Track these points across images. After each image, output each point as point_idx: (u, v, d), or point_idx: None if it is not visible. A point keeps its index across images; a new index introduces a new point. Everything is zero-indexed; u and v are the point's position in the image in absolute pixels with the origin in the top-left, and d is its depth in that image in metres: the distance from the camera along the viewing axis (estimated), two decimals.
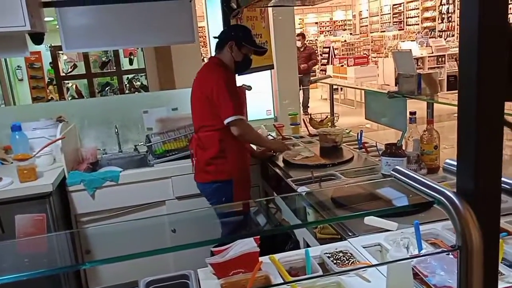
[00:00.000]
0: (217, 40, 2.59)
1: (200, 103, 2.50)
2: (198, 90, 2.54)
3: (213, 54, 2.66)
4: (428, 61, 10.55)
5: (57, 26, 2.79)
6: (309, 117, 3.35)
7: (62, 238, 1.21)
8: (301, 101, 7.27)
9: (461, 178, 0.77)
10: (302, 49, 9.07)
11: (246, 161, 2.65)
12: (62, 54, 7.76)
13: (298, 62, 8.75)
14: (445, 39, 12.23)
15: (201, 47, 5.24)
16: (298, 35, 8.96)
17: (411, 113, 2.12)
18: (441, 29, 13.82)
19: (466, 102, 0.75)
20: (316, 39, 16.09)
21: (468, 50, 0.71)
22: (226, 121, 2.39)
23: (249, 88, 2.94)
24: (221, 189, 2.47)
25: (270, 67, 3.40)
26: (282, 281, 1.25)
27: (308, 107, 8.95)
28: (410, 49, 4.13)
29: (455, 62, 10.77)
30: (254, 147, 2.87)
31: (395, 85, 2.81)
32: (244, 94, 2.91)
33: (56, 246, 1.08)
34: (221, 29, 3.07)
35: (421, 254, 1.17)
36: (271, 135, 3.23)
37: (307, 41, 10.69)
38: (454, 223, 0.73)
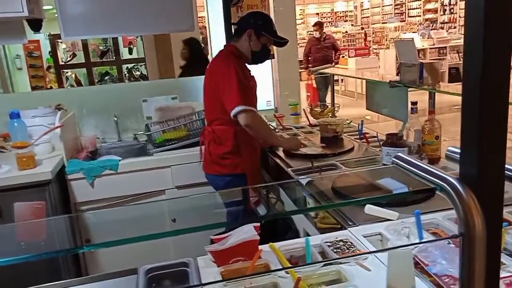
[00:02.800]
0: (235, 27, 2.52)
1: (212, 94, 2.44)
2: (210, 79, 2.47)
3: (214, 45, 2.63)
4: (429, 53, 10.51)
5: (56, 15, 2.76)
6: (310, 107, 3.33)
7: (61, 223, 1.21)
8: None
9: (465, 164, 0.76)
10: (322, 39, 8.28)
11: (258, 154, 2.60)
12: (61, 42, 7.71)
13: (318, 53, 8.12)
14: (447, 31, 12.17)
15: (201, 37, 5.20)
16: (315, 24, 8.50)
17: (412, 103, 2.10)
18: (443, 20, 13.74)
19: (470, 88, 0.74)
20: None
21: (474, 34, 0.70)
22: (232, 113, 2.29)
23: (253, 80, 2.91)
24: (234, 182, 2.43)
25: (271, 56, 3.37)
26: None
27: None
28: (412, 38, 4.09)
29: (457, 54, 10.73)
30: None
31: (397, 76, 2.79)
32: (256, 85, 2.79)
33: (55, 231, 1.08)
34: (222, 18, 3.04)
35: (423, 241, 1.17)
36: (272, 125, 3.21)
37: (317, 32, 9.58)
38: (457, 210, 0.72)
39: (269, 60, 3.77)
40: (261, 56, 2.50)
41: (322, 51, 8.17)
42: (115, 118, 3.17)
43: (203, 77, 2.61)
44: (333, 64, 8.08)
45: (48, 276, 2.36)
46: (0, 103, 3.19)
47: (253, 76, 2.53)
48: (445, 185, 0.74)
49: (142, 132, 3.13)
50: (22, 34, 2.80)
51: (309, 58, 8.25)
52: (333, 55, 8.37)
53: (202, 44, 4.63)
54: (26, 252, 0.75)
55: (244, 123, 2.30)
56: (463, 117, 0.76)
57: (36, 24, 2.75)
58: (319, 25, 8.49)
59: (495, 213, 0.74)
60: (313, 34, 8.91)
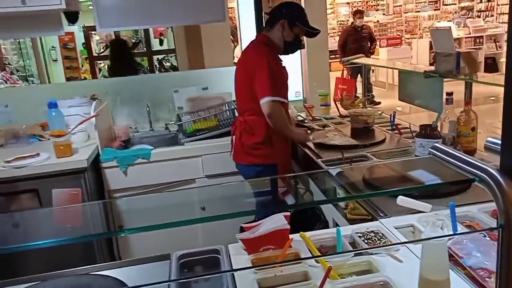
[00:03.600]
0: (267, 16, 2.53)
1: (244, 83, 2.45)
2: (242, 69, 2.49)
3: (243, 36, 2.63)
4: (465, 42, 10.15)
5: (90, 7, 2.83)
6: (341, 97, 3.30)
7: (95, 209, 1.25)
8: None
9: (506, 155, 0.74)
10: (359, 29, 7.91)
11: (290, 145, 2.62)
12: (95, 34, 7.90)
13: (354, 44, 7.76)
14: (483, 20, 11.69)
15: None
16: (356, 13, 8.12)
17: (448, 94, 2.05)
18: (480, 9, 13.18)
19: None
20: (348, 20, 15.70)
21: None
22: (261, 102, 2.33)
23: (285, 70, 2.90)
24: (265, 172, 2.45)
25: (302, 47, 3.34)
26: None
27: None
28: (450, 27, 3.93)
29: (494, 44, 10.33)
30: None
31: (431, 66, 2.71)
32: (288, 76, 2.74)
33: (90, 216, 1.12)
34: (252, 9, 3.04)
35: (459, 233, 1.15)
36: (301, 116, 3.20)
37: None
38: (497, 202, 0.71)
39: (299, 51, 3.74)
40: (293, 46, 2.50)
41: (359, 41, 7.83)
42: (147, 108, 3.23)
43: (233, 67, 2.62)
44: (369, 55, 7.75)
45: (84, 260, 2.46)
46: (37, 93, 3.32)
47: (284, 67, 2.53)
48: (485, 176, 0.73)
49: (173, 122, 3.18)
50: (59, 26, 2.88)
51: (345, 49, 7.88)
52: (369, 46, 8.05)
53: (137, 41, 4.70)
54: (64, 235, 0.78)
55: (266, 113, 2.34)
56: (505, 106, 0.73)
57: (72, 16, 2.83)
58: (360, 13, 8.06)
59: None
60: (348, 24, 8.50)
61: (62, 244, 0.76)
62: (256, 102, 2.37)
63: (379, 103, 6.76)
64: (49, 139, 2.78)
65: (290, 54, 2.60)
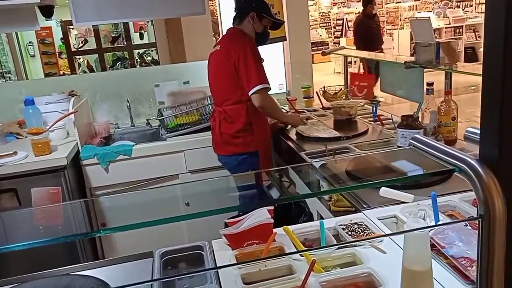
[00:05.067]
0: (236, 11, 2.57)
1: (224, 74, 2.47)
2: (224, 61, 2.49)
3: (225, 29, 2.63)
4: (445, 32, 10.26)
5: (67, 1, 2.76)
6: (323, 89, 3.30)
7: (77, 208, 1.23)
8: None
9: (485, 145, 0.74)
10: (373, 17, 7.47)
11: (269, 132, 2.66)
12: (73, 29, 7.73)
13: (368, 33, 7.34)
14: (463, 10, 11.83)
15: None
16: (368, 1, 7.42)
17: (428, 84, 2.06)
18: None
19: (491, 67, 0.72)
20: (329, 11, 15.72)
21: (495, 8, 0.67)
22: (251, 92, 2.37)
23: (262, 60, 2.89)
24: (247, 161, 2.48)
25: (283, 38, 3.34)
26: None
27: None
28: (429, 17, 3.96)
29: (473, 34, 10.47)
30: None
31: (411, 56, 2.72)
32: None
33: (71, 215, 1.09)
34: (232, 2, 3.01)
35: (441, 223, 1.15)
36: (284, 109, 3.19)
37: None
38: (476, 192, 0.71)
39: (281, 43, 3.73)
40: (262, 37, 2.59)
41: (374, 30, 7.46)
42: (128, 104, 3.18)
43: None
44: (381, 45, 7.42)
45: (66, 260, 2.42)
46: (14, 90, 3.22)
47: (263, 59, 2.55)
48: (464, 166, 0.73)
49: (154, 117, 3.13)
50: (34, 21, 2.80)
51: (362, 39, 7.46)
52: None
53: None
54: (45, 236, 0.76)
55: (258, 105, 2.39)
56: (484, 96, 0.73)
57: (47, 11, 2.75)
58: (371, 1, 7.40)
59: None
60: (361, 13, 7.90)
61: (42, 245, 0.73)
62: (236, 92, 2.41)
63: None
64: (26, 137, 2.71)
65: (266, 45, 2.71)
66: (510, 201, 0.70)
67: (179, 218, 0.79)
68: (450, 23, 10.45)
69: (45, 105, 2.81)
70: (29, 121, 2.58)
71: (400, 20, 13.27)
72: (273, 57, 3.78)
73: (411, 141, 0.90)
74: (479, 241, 0.73)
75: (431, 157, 0.82)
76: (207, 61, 2.66)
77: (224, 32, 2.69)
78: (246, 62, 2.36)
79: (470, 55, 10.08)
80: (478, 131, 0.78)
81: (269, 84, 2.42)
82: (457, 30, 10.37)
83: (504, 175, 0.71)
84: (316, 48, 10.56)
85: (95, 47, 6.56)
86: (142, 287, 1.19)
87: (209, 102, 2.99)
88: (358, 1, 16.33)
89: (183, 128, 2.86)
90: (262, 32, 2.55)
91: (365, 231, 1.34)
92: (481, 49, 10.20)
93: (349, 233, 1.33)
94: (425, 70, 2.37)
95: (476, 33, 10.57)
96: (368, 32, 7.43)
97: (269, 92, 2.49)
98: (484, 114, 0.74)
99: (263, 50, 2.91)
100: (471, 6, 12.53)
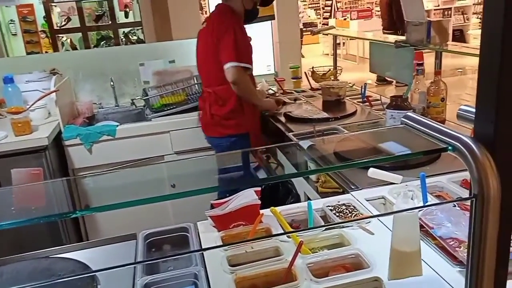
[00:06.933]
0: None
1: (211, 53, 2.41)
2: (208, 38, 2.42)
3: (212, 6, 2.55)
4: (434, 14, 10.23)
5: None
6: (311, 70, 3.25)
7: (59, 188, 1.18)
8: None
9: (480, 123, 0.72)
10: None
11: (259, 113, 2.61)
12: (55, 6, 7.49)
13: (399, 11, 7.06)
14: None
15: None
16: None
17: (418, 64, 2.03)
18: None
19: (489, 41, 0.69)
20: None
21: None
22: (225, 66, 2.30)
23: (249, 39, 2.82)
24: (238, 142, 2.44)
25: (271, 17, 3.26)
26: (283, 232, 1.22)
27: None
28: None
29: (462, 16, 10.45)
30: None
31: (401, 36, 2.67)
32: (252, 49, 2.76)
33: (53, 196, 1.05)
34: None
35: (431, 204, 1.14)
36: (272, 89, 3.14)
37: None
38: (470, 171, 0.68)
39: (269, 22, 3.65)
40: (252, 14, 2.51)
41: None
42: (112, 83, 3.09)
43: None
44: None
45: (49, 242, 2.37)
46: None
47: (249, 37, 2.48)
48: (458, 144, 0.70)
49: (139, 97, 3.06)
50: None
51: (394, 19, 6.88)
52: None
53: None
54: (25, 216, 0.72)
55: (231, 80, 2.32)
56: (480, 73, 0.70)
57: None
58: None
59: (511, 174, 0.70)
60: None
61: (21, 225, 0.69)
62: (222, 72, 2.33)
63: None
64: (6, 116, 2.62)
65: (253, 24, 2.64)
66: (505, 180, 0.68)
67: (163, 198, 0.75)
68: (439, 5, 10.42)
69: (25, 84, 2.71)
70: (9, 100, 2.49)
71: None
72: (261, 37, 3.71)
73: (403, 119, 0.87)
74: (472, 221, 0.71)
75: (424, 135, 0.79)
76: (193, 39, 2.59)
77: (212, 9, 2.61)
78: (227, 39, 2.29)
79: (458, 38, 10.08)
80: (472, 109, 0.76)
81: (247, 64, 2.35)
82: (446, 12, 10.34)
83: (499, 154, 0.69)
84: (305, 29, 10.43)
85: (79, 26, 6.38)
86: (125, 269, 1.16)
87: (196, 81, 2.93)
88: None
89: (168, 108, 2.80)
90: (252, 9, 2.47)
91: (353, 212, 1.32)
92: (469, 31, 10.23)
93: (337, 214, 1.31)
94: (414, 50, 2.34)
95: (465, 15, 10.56)
96: (396, 12, 6.72)
97: (256, 74, 2.43)
98: (480, 91, 0.71)
99: (251, 29, 2.85)
100: None
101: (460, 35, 10.24)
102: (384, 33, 6.68)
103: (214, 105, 2.45)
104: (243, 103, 2.43)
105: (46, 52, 7.90)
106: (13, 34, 8.33)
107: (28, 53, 7.84)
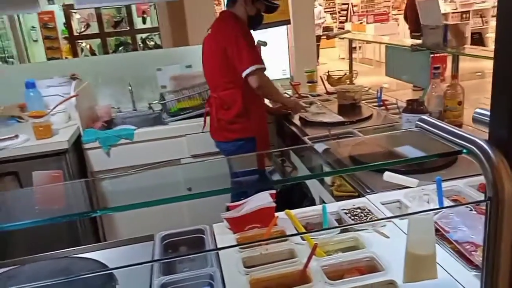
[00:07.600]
0: None
1: (216, 58, 2.42)
2: (214, 45, 2.45)
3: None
4: (451, 17, 10.11)
5: None
6: (327, 74, 3.25)
7: (78, 190, 1.21)
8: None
9: (495, 126, 0.72)
10: None
11: (266, 117, 2.62)
12: (75, 13, 7.66)
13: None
14: None
15: (215, 5, 5.08)
16: None
17: (435, 68, 2.01)
18: None
19: (503, 47, 0.69)
20: None
21: None
22: (244, 73, 2.30)
23: (265, 44, 2.84)
24: (244, 147, 2.44)
25: (286, 22, 3.28)
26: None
27: None
28: None
29: (480, 19, 10.30)
30: (268, 103, 2.80)
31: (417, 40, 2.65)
32: (260, 51, 2.80)
33: (73, 197, 1.08)
34: None
35: (445, 206, 1.13)
36: (287, 93, 3.15)
37: None
38: (485, 174, 0.68)
39: (285, 27, 3.67)
40: (256, 21, 2.50)
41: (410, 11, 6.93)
42: (130, 88, 3.15)
43: None
44: None
45: (67, 243, 2.41)
46: (15, 73, 3.20)
47: (265, 42, 2.51)
48: (473, 147, 0.70)
49: (157, 101, 3.11)
50: (35, 3, 2.76)
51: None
52: None
53: None
54: (44, 216, 0.74)
55: (256, 85, 2.32)
56: (495, 76, 0.71)
57: None
58: None
59: None
60: None
61: (40, 225, 0.72)
62: (229, 76, 2.36)
63: None
64: (28, 120, 2.69)
65: (260, 29, 2.63)
66: None
67: (180, 199, 0.77)
68: (457, 8, 10.29)
69: (46, 89, 2.79)
70: (30, 104, 2.56)
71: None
72: (276, 42, 3.73)
73: (417, 122, 0.87)
74: (487, 224, 0.71)
75: (438, 138, 0.79)
76: None
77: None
78: (237, 45, 2.29)
79: (477, 41, 9.93)
80: (487, 113, 0.76)
81: (263, 65, 2.35)
82: (464, 15, 10.21)
83: None
84: (321, 34, 10.42)
85: (98, 32, 6.50)
86: (142, 269, 1.18)
87: None
88: None
89: (185, 112, 2.84)
90: (255, 15, 2.46)
91: (368, 215, 1.32)
92: (488, 34, 10.06)
93: (352, 217, 1.31)
94: (431, 55, 2.32)
95: (483, 18, 10.40)
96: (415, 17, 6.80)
97: (271, 78, 2.44)
98: (495, 95, 0.71)
99: (267, 34, 2.87)
100: None
101: (479, 38, 10.08)
102: (412, 36, 6.75)
103: (220, 109, 2.46)
104: (248, 107, 2.42)
105: (66, 57, 8.07)
106: (34, 41, 8.54)
107: (48, 59, 8.02)
